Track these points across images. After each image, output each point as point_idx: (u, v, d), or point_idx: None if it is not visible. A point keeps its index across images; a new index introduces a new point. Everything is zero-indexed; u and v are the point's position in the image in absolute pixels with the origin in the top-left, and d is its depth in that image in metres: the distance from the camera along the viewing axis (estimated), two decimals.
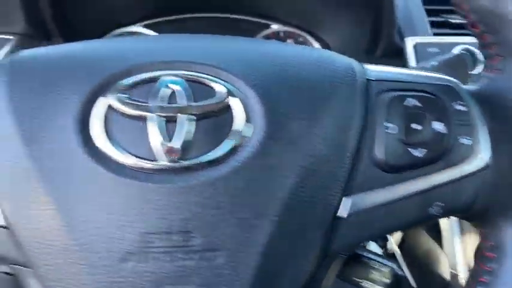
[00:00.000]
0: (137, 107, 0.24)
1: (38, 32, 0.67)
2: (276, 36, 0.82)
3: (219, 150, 0.24)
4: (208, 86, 0.25)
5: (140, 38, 0.36)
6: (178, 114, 0.24)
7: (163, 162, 0.23)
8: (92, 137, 0.24)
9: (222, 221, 0.23)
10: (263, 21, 0.81)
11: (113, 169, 0.23)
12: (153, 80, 0.25)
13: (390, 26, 0.60)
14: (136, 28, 0.80)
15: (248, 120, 0.24)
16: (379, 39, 0.63)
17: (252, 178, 0.24)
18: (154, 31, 0.80)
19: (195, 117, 0.24)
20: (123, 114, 0.24)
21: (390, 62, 0.65)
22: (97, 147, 0.23)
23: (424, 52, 0.60)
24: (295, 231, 0.24)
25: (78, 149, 0.23)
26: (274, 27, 0.82)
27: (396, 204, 0.26)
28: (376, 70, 0.29)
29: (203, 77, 0.25)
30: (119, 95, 0.24)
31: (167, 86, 0.24)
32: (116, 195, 0.23)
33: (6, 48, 0.65)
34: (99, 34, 0.78)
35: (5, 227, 0.24)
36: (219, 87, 0.25)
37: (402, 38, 0.63)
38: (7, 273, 0.99)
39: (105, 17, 0.76)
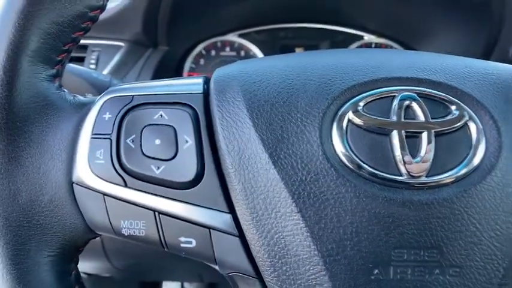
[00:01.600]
0: (379, 122, 0.24)
1: (148, 40, 0.70)
2: (368, 47, 0.82)
3: (461, 168, 0.24)
4: (441, 102, 0.25)
5: (363, 52, 0.37)
6: (423, 131, 0.24)
7: (409, 177, 0.23)
8: (336, 151, 0.24)
9: (465, 238, 0.23)
10: (357, 32, 0.81)
11: (358, 182, 0.23)
12: (389, 95, 0.25)
13: (508, 40, 0.59)
14: (231, 37, 0.82)
15: (483, 138, 0.24)
16: (491, 54, 0.62)
17: (492, 196, 0.23)
18: (247, 40, 0.82)
19: (435, 134, 0.24)
20: (364, 128, 0.24)
21: None
22: (341, 161, 0.24)
23: None
24: None
25: (323, 162, 0.24)
26: (367, 38, 0.82)
27: None
28: None
29: (436, 94, 0.25)
30: (358, 109, 0.24)
31: (404, 102, 0.25)
32: (362, 208, 0.23)
33: (119, 54, 0.68)
34: (197, 42, 0.81)
35: (236, 236, 0.25)
36: (452, 105, 0.25)
37: None
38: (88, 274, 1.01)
39: (206, 27, 0.78)
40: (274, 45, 0.83)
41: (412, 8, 0.68)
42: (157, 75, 0.70)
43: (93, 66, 0.67)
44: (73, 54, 0.69)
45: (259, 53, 0.82)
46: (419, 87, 0.25)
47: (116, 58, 0.68)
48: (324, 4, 0.74)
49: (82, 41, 0.69)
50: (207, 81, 0.28)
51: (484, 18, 0.60)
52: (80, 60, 0.69)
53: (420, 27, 0.73)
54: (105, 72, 0.66)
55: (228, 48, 0.83)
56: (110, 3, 0.67)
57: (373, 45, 0.82)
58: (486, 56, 0.63)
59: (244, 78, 0.27)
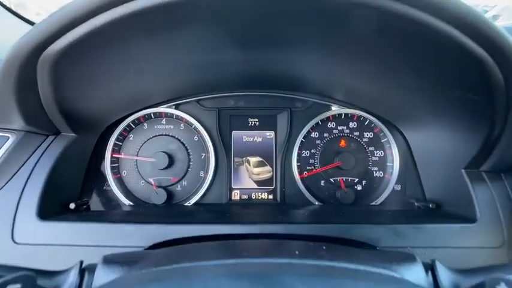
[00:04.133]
0: None
1: (40, 129, 0.53)
2: (337, 118, 0.66)
3: None
4: None
5: None
6: None
7: None
8: None
9: None
10: (321, 101, 0.65)
11: None
12: None
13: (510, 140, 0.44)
14: (166, 109, 0.65)
15: None
16: (491, 152, 0.47)
17: None
18: (185, 112, 0.65)
19: None
20: None
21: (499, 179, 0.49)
22: None
23: None
24: None
25: None
26: (335, 108, 0.66)
27: None
28: None
29: None
30: None
31: None
32: None
33: (7, 146, 0.51)
34: (122, 118, 0.64)
35: None
36: None
37: None
38: None
39: (126, 104, 0.61)
40: (222, 117, 0.67)
41: (398, 89, 0.52)
42: (63, 164, 0.53)
43: None
44: None
45: (201, 128, 0.65)
46: None
47: (1, 152, 0.51)
48: (282, 69, 0.58)
49: None
50: None
51: (484, 115, 0.45)
52: None
53: (405, 108, 0.57)
54: None
55: (163, 121, 0.67)
56: None
57: (342, 116, 0.66)
58: (482, 155, 0.48)
59: None
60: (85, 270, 0.32)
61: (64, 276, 0.32)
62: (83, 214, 0.54)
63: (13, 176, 0.52)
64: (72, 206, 0.55)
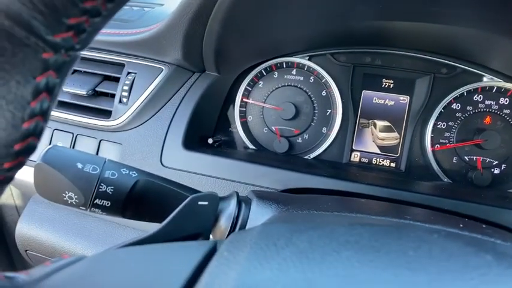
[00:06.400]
0: None
1: (191, 66, 0.56)
2: (486, 92, 0.59)
3: None
4: None
5: None
6: None
7: None
8: None
9: None
10: (472, 69, 0.58)
11: None
12: None
13: None
14: (300, 59, 0.65)
15: None
16: None
17: None
18: (319, 65, 0.64)
19: None
20: None
21: None
22: None
23: None
24: None
25: None
26: (487, 79, 0.59)
27: None
28: None
29: None
30: None
31: None
32: None
33: (159, 78, 0.56)
34: (256, 64, 0.65)
35: None
36: None
37: None
38: None
39: (267, 49, 0.62)
40: (355, 74, 0.64)
41: None
42: (205, 101, 0.57)
43: (126, 88, 0.56)
44: (108, 74, 0.58)
45: (332, 83, 0.64)
46: None
47: (155, 83, 0.56)
48: (429, 25, 0.52)
49: (119, 58, 0.58)
50: None
51: None
52: (115, 80, 0.58)
53: None
54: (143, 97, 0.55)
55: (294, 71, 0.66)
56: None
57: (493, 90, 0.59)
58: None
59: None
60: (241, 202, 0.34)
61: (226, 203, 0.34)
62: (220, 150, 0.58)
63: (164, 105, 0.58)
64: (210, 141, 0.59)
